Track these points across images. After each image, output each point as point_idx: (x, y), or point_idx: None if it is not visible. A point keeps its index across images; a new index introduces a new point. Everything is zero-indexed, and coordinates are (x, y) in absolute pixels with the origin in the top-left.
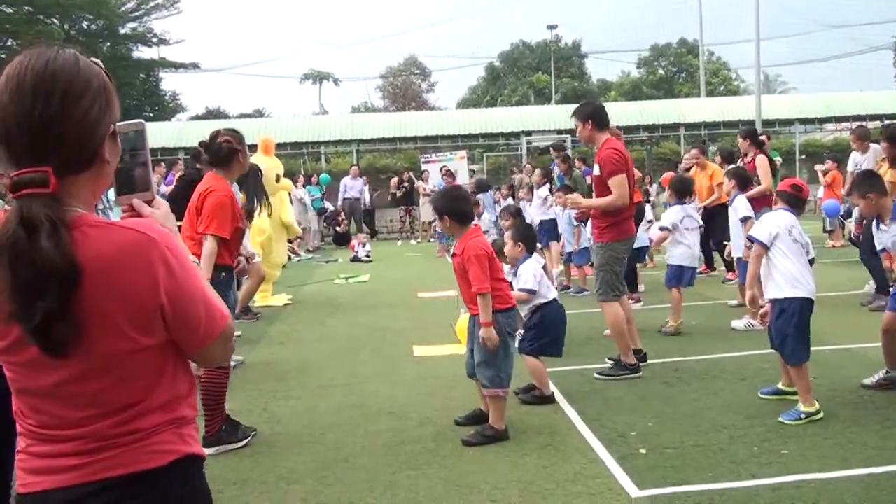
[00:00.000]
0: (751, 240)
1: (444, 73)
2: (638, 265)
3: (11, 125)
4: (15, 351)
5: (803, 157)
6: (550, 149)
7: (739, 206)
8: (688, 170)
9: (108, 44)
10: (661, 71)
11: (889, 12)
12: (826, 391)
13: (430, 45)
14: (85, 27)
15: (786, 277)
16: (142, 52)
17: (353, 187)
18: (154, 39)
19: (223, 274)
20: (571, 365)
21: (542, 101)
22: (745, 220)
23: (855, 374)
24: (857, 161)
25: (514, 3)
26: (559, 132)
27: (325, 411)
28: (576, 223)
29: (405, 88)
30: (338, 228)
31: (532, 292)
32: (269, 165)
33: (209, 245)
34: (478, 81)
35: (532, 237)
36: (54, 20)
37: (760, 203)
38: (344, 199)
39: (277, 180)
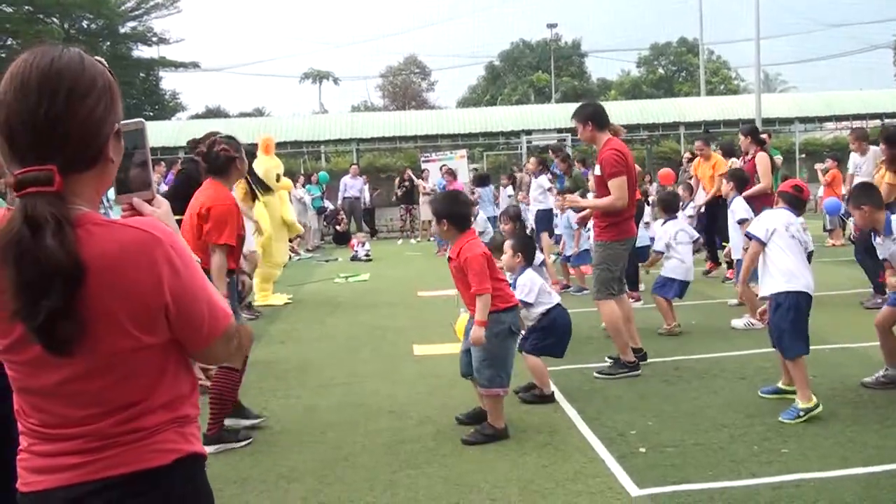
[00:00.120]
0: (749, 236)
1: (444, 72)
2: (640, 264)
3: (16, 123)
4: (17, 350)
5: (803, 155)
6: (549, 150)
7: (737, 209)
8: (690, 160)
9: (108, 43)
10: (661, 70)
11: (889, 11)
12: (826, 390)
13: (430, 45)
14: (85, 26)
15: (782, 272)
16: (142, 52)
17: (353, 186)
18: (154, 38)
19: (228, 281)
20: (571, 364)
21: (542, 100)
22: (742, 222)
23: (855, 372)
24: (857, 162)
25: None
26: (559, 131)
27: (326, 410)
28: (576, 226)
29: (405, 87)
30: (338, 227)
31: (527, 305)
32: (270, 165)
33: (218, 258)
34: (478, 80)
35: (532, 248)
36: (54, 19)
37: (762, 202)
38: (344, 198)
39: (278, 179)
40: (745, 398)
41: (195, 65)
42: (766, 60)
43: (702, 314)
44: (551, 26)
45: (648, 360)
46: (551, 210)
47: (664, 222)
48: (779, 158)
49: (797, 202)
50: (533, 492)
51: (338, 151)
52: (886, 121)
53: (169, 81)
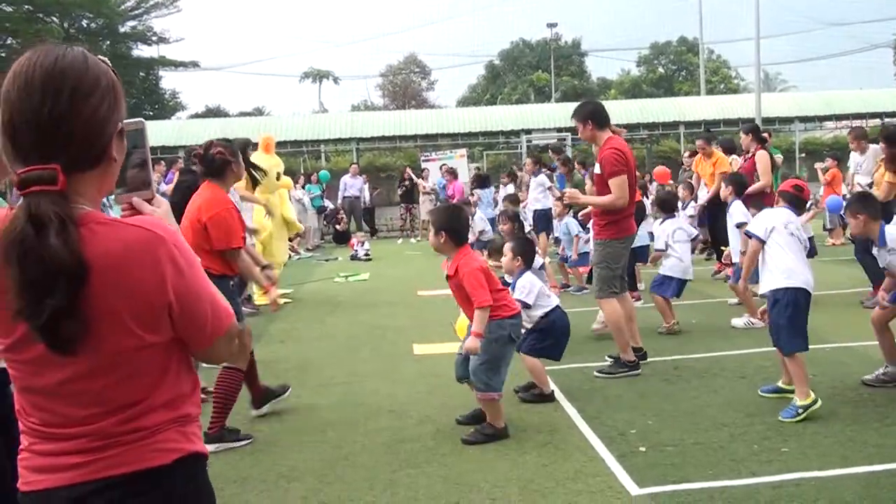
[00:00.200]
0: (748, 235)
1: (444, 71)
2: (638, 264)
3: (19, 122)
4: (20, 348)
5: (803, 155)
6: (549, 150)
7: (735, 212)
8: (692, 156)
9: (108, 42)
10: (661, 69)
11: (889, 10)
12: (826, 389)
13: (430, 44)
14: (85, 25)
15: (781, 270)
16: (141, 51)
17: (353, 186)
18: (154, 38)
19: (232, 283)
20: (571, 363)
21: (542, 99)
22: (740, 226)
23: (855, 371)
24: (858, 161)
25: (514, 1)
26: (559, 130)
27: (326, 409)
28: (575, 232)
29: (405, 87)
30: (337, 227)
31: (526, 305)
32: (270, 164)
33: (239, 258)
34: (478, 80)
35: (531, 252)
36: (54, 18)
37: (763, 201)
38: (344, 197)
39: (278, 178)
40: (745, 397)
41: (195, 64)
42: (766, 60)
43: (702, 313)
44: (551, 25)
45: (648, 360)
46: (550, 210)
47: (662, 221)
48: (779, 157)
49: (797, 201)
50: (533, 491)
51: (338, 151)
52: (886, 120)
53: (169, 81)
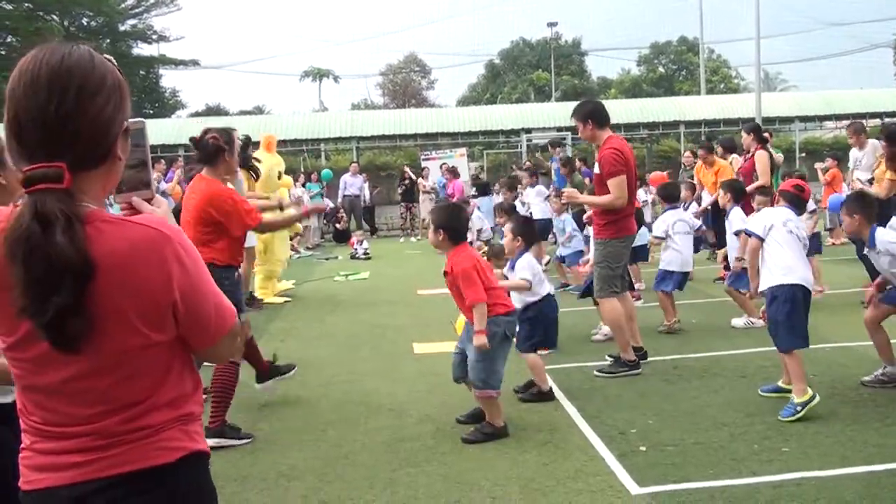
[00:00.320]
0: (747, 234)
1: (444, 70)
2: (637, 263)
3: (25, 120)
4: (23, 347)
5: (803, 155)
6: (549, 146)
7: (735, 219)
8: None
9: (108, 40)
10: (661, 69)
11: (889, 10)
12: (826, 389)
13: (431, 43)
14: (85, 24)
15: (779, 266)
16: (142, 49)
17: (353, 184)
18: (154, 36)
19: (236, 274)
20: (571, 362)
21: (543, 98)
22: (739, 233)
23: (855, 371)
24: (857, 156)
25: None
26: (559, 129)
27: (326, 408)
28: (570, 229)
29: (405, 86)
30: (338, 226)
31: (529, 282)
32: (272, 163)
33: (263, 225)
34: (478, 79)
35: (531, 231)
36: (54, 17)
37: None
38: (344, 196)
39: (279, 177)
40: (746, 397)
41: (195, 62)
42: (767, 59)
43: (702, 313)
44: (551, 25)
45: (648, 359)
46: (551, 220)
47: (664, 211)
48: (779, 156)
49: (798, 201)
50: (534, 490)
51: (338, 149)
52: (887, 119)
53: (169, 79)
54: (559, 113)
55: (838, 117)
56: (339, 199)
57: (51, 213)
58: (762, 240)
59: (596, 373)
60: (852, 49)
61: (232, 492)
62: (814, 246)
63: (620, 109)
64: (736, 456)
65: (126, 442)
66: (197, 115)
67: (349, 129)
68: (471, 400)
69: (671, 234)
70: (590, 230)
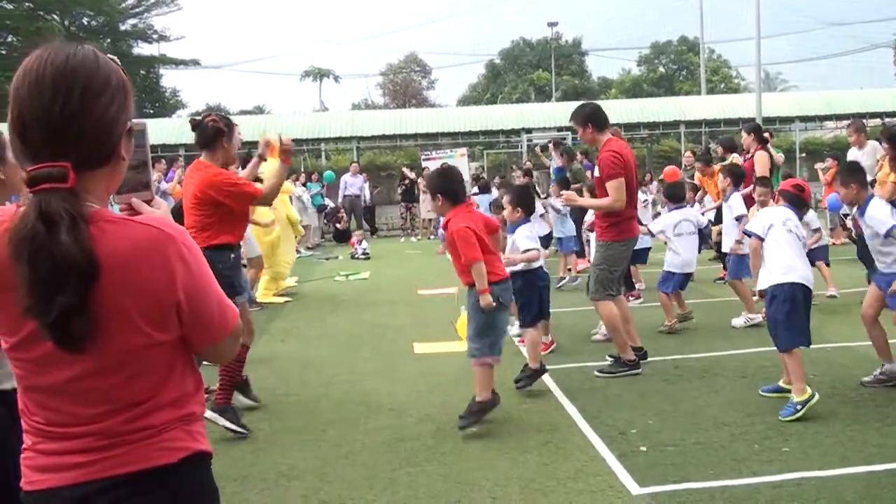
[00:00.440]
0: (747, 234)
1: (445, 70)
2: (636, 265)
3: (29, 119)
4: (26, 347)
5: (803, 155)
6: (549, 145)
7: (734, 204)
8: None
9: (109, 40)
10: (661, 68)
11: (889, 10)
12: (827, 389)
13: (431, 42)
14: (85, 23)
15: (779, 265)
16: (142, 49)
17: (354, 184)
18: (154, 36)
19: (232, 255)
20: (571, 362)
21: (543, 98)
22: (739, 218)
23: (855, 371)
24: (856, 156)
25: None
26: (559, 129)
27: (326, 408)
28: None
29: (405, 85)
30: (338, 225)
31: (536, 249)
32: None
33: (269, 190)
34: (478, 79)
35: (530, 200)
36: (54, 16)
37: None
38: (344, 196)
39: None
40: (746, 397)
41: (195, 62)
42: (767, 59)
43: (702, 313)
44: (552, 24)
45: (648, 359)
46: (550, 233)
47: (670, 210)
48: (780, 156)
49: (798, 200)
50: (534, 490)
51: (338, 149)
52: (887, 120)
53: (169, 79)
54: (559, 113)
55: (838, 117)
56: (340, 199)
57: (55, 213)
58: (762, 239)
59: (596, 373)
60: (852, 49)
61: (232, 492)
62: (821, 254)
63: (621, 109)
64: (736, 456)
65: (129, 442)
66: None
67: (349, 129)
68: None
69: (671, 235)
70: (591, 235)
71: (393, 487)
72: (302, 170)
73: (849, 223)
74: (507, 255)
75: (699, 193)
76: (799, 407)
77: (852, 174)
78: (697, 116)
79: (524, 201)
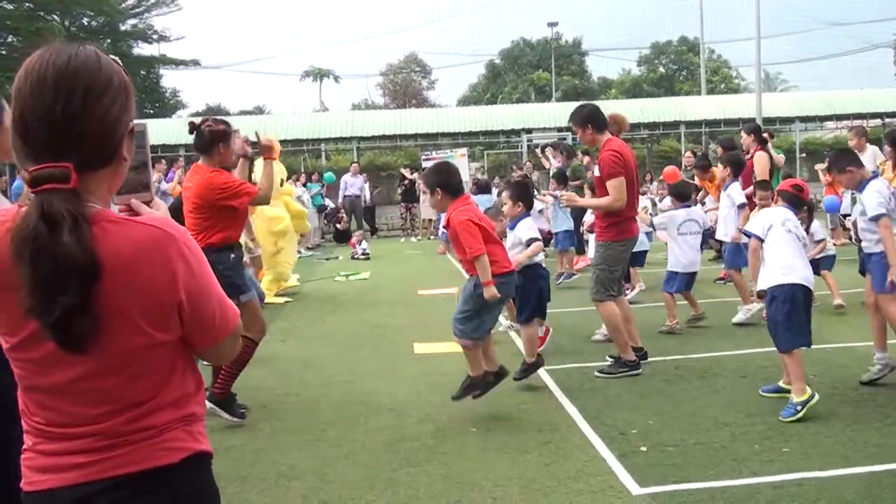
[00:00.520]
0: (746, 234)
1: (445, 70)
2: (635, 267)
3: (31, 120)
4: (27, 347)
5: (804, 155)
6: (549, 147)
7: (734, 193)
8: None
9: (109, 40)
10: (661, 69)
11: (890, 10)
12: (827, 389)
13: (431, 43)
14: (85, 23)
15: (778, 266)
16: (142, 49)
17: (354, 185)
18: (154, 36)
19: (232, 255)
20: (571, 362)
21: (543, 98)
22: (742, 206)
23: (856, 372)
24: None
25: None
26: (559, 130)
27: (326, 408)
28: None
29: (406, 86)
30: (338, 226)
31: (538, 240)
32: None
33: (266, 184)
34: (478, 79)
35: (530, 195)
36: (55, 16)
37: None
38: (344, 196)
39: (281, 185)
40: (746, 397)
41: (195, 62)
42: (767, 59)
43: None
44: (552, 25)
45: (649, 359)
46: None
47: (676, 209)
48: (780, 157)
49: (797, 200)
50: (534, 490)
51: (338, 150)
52: (887, 120)
53: (169, 79)
54: (560, 113)
55: (839, 117)
56: (340, 200)
57: (57, 213)
58: (762, 240)
59: (596, 373)
60: (852, 49)
61: (233, 492)
62: (827, 264)
63: (621, 109)
64: (736, 456)
65: (130, 442)
66: (197, 115)
67: (350, 129)
68: (471, 401)
69: (675, 234)
70: (591, 237)
71: (393, 487)
72: (302, 170)
73: (848, 224)
74: (512, 257)
75: (700, 194)
76: (799, 407)
77: (843, 159)
78: (697, 117)
79: (524, 196)
